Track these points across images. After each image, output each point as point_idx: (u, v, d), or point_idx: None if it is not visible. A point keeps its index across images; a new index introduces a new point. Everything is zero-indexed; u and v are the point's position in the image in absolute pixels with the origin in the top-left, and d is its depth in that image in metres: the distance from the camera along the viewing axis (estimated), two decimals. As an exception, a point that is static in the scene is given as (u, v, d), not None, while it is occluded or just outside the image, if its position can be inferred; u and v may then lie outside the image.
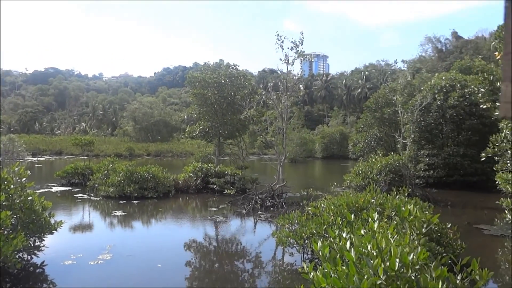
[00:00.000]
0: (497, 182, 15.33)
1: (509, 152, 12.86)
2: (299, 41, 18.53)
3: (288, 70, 19.58)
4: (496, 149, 13.29)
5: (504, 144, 13.04)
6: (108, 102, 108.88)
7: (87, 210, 17.28)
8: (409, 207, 5.92)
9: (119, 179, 19.71)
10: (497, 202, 13.84)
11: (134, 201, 18.68)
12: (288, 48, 18.67)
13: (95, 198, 19.48)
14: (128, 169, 20.25)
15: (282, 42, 18.36)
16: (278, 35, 18.38)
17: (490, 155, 13.59)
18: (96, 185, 20.69)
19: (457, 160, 24.61)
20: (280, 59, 19.09)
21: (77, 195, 20.37)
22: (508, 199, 13.43)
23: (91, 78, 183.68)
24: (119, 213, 16.12)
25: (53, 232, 9.66)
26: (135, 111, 76.77)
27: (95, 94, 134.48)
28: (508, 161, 13.18)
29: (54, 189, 22.29)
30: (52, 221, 9.61)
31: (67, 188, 22.61)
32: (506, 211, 13.29)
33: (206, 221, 15.41)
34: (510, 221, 13.52)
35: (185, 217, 16.62)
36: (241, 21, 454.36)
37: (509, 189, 13.74)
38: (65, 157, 52.89)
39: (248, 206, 17.24)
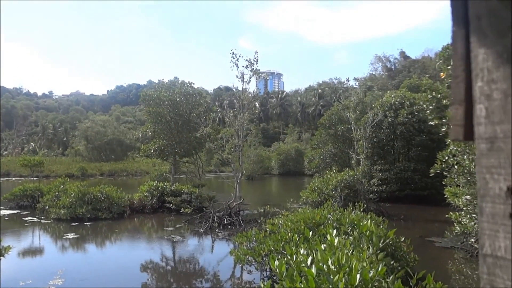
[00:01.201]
0: (445, 196, 16.01)
1: (455, 167, 13.42)
2: (254, 59, 18.75)
3: (243, 88, 19.71)
4: (443, 165, 13.85)
5: (451, 160, 13.60)
6: (58, 121, 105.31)
7: (37, 234, 16.49)
8: (366, 223, 6.04)
9: (70, 200, 18.99)
10: (446, 215, 14.38)
11: (87, 223, 18.01)
12: (243, 66, 18.84)
13: (46, 221, 18.63)
14: (80, 189, 19.55)
15: (237, 60, 18.52)
16: (233, 53, 18.54)
17: (438, 171, 14.13)
18: (47, 207, 19.83)
19: (408, 175, 25.47)
20: (236, 76, 19.23)
21: (26, 218, 19.41)
22: (457, 212, 13.99)
23: (40, 97, 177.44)
24: (71, 235, 15.46)
25: (1, 258, 9.14)
26: (88, 130, 74.62)
27: (44, 113, 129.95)
28: (455, 176, 13.74)
29: (2, 212, 21.15)
30: (0, 247, 9.10)
31: (15, 211, 21.51)
32: (455, 224, 13.82)
33: (163, 241, 15.06)
34: (459, 233, 14.07)
35: (141, 238, 16.19)
36: (196, 39, 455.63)
37: (457, 202, 14.34)
38: (13, 178, 50.48)
39: (205, 225, 17.03)
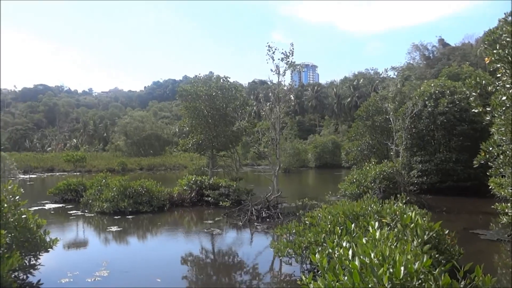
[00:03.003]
0: (490, 187, 15.45)
1: (501, 157, 12.94)
2: (289, 52, 18.64)
3: (279, 81, 19.66)
4: (487, 155, 13.37)
5: (496, 150, 13.11)
6: (98, 117, 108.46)
7: (81, 227, 17.10)
8: (410, 214, 5.92)
9: (112, 194, 19.55)
10: (492, 206, 13.90)
11: (129, 216, 18.51)
12: (279, 59, 18.78)
13: (89, 214, 19.28)
14: (122, 184, 20.10)
15: (273, 53, 18.47)
16: (268, 46, 18.50)
17: (482, 161, 13.66)
18: (90, 201, 20.49)
19: (449, 166, 24.77)
20: (271, 70, 19.17)
21: (71, 212, 20.15)
22: (503, 203, 13.50)
23: (80, 94, 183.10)
24: (114, 228, 15.95)
25: (49, 250, 9.50)
26: (126, 125, 76.50)
27: (85, 109, 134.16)
28: (500, 166, 13.25)
29: (47, 206, 22.04)
30: (47, 239, 9.45)
31: (60, 205, 22.36)
32: (501, 215, 13.35)
33: (202, 234, 15.29)
34: (505, 225, 13.59)
35: (181, 231, 16.49)
36: (229, 33, 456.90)
37: (503, 193, 13.82)
38: (57, 173, 52.44)
39: (244, 218, 17.17)
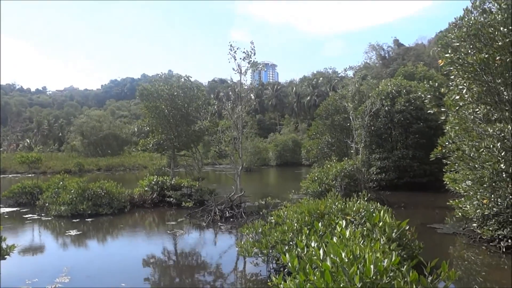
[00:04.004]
0: (445, 182, 16.10)
1: (455, 153, 13.48)
2: (250, 51, 18.67)
3: (240, 80, 19.64)
4: (444, 150, 13.91)
5: (451, 145, 13.66)
6: (53, 117, 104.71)
7: (38, 231, 16.42)
8: (379, 214, 6.05)
9: (70, 196, 18.92)
10: (448, 202, 14.45)
11: (88, 219, 17.97)
12: (241, 58, 18.75)
13: (46, 218, 18.56)
14: (80, 185, 19.49)
15: (235, 52, 18.43)
16: (230, 45, 18.44)
17: (438, 155, 14.19)
18: (47, 204, 19.75)
19: (406, 163, 25.58)
20: (233, 69, 19.12)
21: (27, 216, 19.32)
22: (457, 198, 14.07)
23: (34, 93, 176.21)
24: (73, 232, 15.44)
25: (5, 258, 9.08)
26: (83, 125, 74.25)
27: (39, 109, 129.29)
28: (455, 162, 13.81)
29: (1, 210, 21.04)
30: (3, 246, 9.04)
31: (14, 209, 21.39)
32: (456, 210, 13.92)
33: (164, 235, 15.07)
34: (460, 219, 14.18)
35: (143, 233, 16.18)
36: (187, 32, 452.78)
37: (457, 188, 14.41)
38: (10, 175, 50.21)
39: (207, 218, 17.04)
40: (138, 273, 10.51)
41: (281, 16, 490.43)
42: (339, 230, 5.54)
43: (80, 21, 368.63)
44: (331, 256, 4.54)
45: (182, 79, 27.33)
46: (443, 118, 14.60)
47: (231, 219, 17.21)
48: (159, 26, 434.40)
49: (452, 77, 12.90)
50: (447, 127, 14.43)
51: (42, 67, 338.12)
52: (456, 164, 13.74)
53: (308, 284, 4.45)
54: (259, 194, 23.44)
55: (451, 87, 13.37)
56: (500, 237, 11.76)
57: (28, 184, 23.02)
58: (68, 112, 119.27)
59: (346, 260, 4.39)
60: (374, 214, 6.06)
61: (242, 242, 10.20)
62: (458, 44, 11.72)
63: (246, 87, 21.77)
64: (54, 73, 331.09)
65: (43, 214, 19.32)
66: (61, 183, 21.00)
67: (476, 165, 12.19)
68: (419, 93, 25.84)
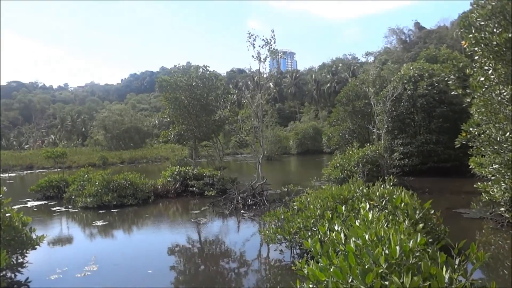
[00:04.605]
0: (470, 167, 15.75)
1: (481, 137, 13.18)
2: (270, 39, 18.52)
3: (259, 69, 19.53)
4: (468, 136, 13.61)
5: (476, 129, 13.35)
6: (76, 113, 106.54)
7: (66, 223, 16.82)
8: (400, 195, 5.98)
9: (96, 188, 19.30)
10: (474, 186, 14.15)
11: (114, 210, 18.31)
12: (260, 46, 18.64)
13: (73, 210, 18.99)
14: (104, 178, 19.83)
15: (254, 40, 18.32)
16: (249, 33, 18.34)
17: (463, 141, 13.89)
18: (73, 197, 20.19)
19: (430, 148, 25.12)
20: (252, 56, 18.99)
21: (54, 208, 19.80)
22: (484, 182, 13.77)
23: (56, 89, 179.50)
24: (100, 223, 15.76)
25: (36, 248, 9.35)
26: (105, 119, 75.42)
27: (61, 105, 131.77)
28: (480, 146, 13.50)
29: (30, 204, 21.61)
30: (34, 236, 9.30)
31: (43, 202, 21.93)
32: (482, 194, 13.63)
33: (188, 224, 15.23)
34: (487, 203, 13.89)
35: (168, 222, 16.39)
36: (204, 23, 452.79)
37: (483, 172, 14.10)
38: (37, 171, 51.42)
39: (230, 206, 17.16)
40: (164, 261, 10.67)
41: (297, 3, 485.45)
42: (362, 214, 5.49)
43: (99, 18, 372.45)
44: (353, 239, 4.50)
45: (200, 70, 27.37)
46: (468, 100, 14.26)
47: (254, 207, 17.29)
48: (176, 19, 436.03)
49: (476, 58, 12.54)
50: (472, 110, 14.10)
51: (64, 65, 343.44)
52: (482, 148, 13.42)
53: (332, 267, 4.42)
54: (280, 182, 23.43)
55: (476, 69, 13.02)
56: (528, 220, 11.48)
57: (55, 178, 23.52)
58: (90, 107, 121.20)
59: (370, 242, 4.35)
60: (394, 197, 5.98)
61: (265, 229, 10.23)
62: (482, 23, 11.37)
63: (265, 75, 21.68)
64: (75, 70, 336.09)
65: (70, 206, 19.76)
66: (86, 176, 21.42)
67: (502, 148, 11.89)
68: (443, 75, 25.29)
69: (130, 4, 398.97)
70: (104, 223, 15.72)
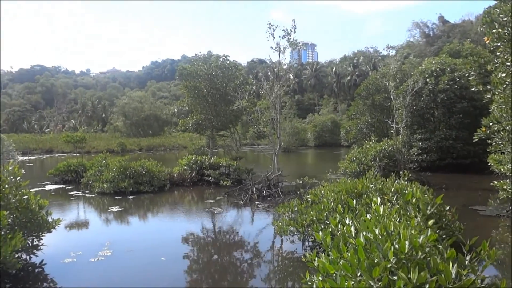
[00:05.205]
0: (489, 164, 15.49)
1: (501, 133, 12.95)
2: (291, 29, 18.38)
3: (279, 59, 19.43)
4: (488, 131, 13.39)
5: (496, 126, 13.13)
6: (97, 98, 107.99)
7: (82, 207, 17.16)
8: (411, 190, 5.93)
9: (113, 174, 19.56)
10: (491, 183, 13.94)
11: (130, 196, 18.57)
12: (280, 36, 18.52)
13: (90, 195, 19.33)
14: (122, 164, 20.09)
15: (274, 30, 18.21)
16: (269, 24, 18.24)
17: (482, 137, 13.67)
18: (90, 182, 20.52)
19: (449, 143, 24.78)
20: (272, 47, 18.90)
21: (72, 193, 20.18)
22: (502, 180, 13.56)
23: (78, 75, 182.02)
24: (115, 209, 16.01)
25: (51, 231, 9.56)
26: (125, 106, 76.22)
27: (83, 90, 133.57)
28: (499, 142, 13.28)
29: (48, 187, 22.06)
30: (50, 220, 9.51)
31: (60, 186, 22.38)
32: (500, 191, 13.42)
33: (203, 213, 15.36)
34: (504, 200, 13.67)
35: (182, 210, 16.56)
36: (227, 13, 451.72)
37: (502, 169, 13.87)
38: (56, 155, 52.42)
39: (245, 197, 17.23)
40: (178, 249, 10.80)
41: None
42: (373, 208, 5.47)
43: (122, 4, 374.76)
44: (364, 233, 4.50)
45: (221, 59, 27.40)
46: (488, 96, 14.01)
47: (268, 198, 17.33)
48: (200, 7, 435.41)
49: (498, 54, 12.29)
50: (492, 107, 13.86)
51: (87, 50, 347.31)
52: (502, 145, 13.20)
53: (342, 260, 4.43)
54: (296, 174, 23.41)
55: (497, 64, 12.76)
56: (546, 219, 11.27)
57: (73, 162, 23.93)
58: (111, 93, 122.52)
59: (380, 236, 4.33)
60: (406, 192, 5.93)
61: (278, 221, 10.27)
62: (505, 19, 11.13)
63: (285, 66, 21.58)
64: (97, 55, 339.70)
65: (87, 191, 20.12)
66: (104, 161, 21.73)
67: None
68: (464, 71, 24.84)
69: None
70: (120, 209, 15.97)
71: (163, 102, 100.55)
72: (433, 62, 27.62)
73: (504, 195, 13.12)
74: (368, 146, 20.18)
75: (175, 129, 67.16)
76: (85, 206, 17.46)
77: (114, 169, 19.81)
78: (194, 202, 18.50)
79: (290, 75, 75.07)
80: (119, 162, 20.43)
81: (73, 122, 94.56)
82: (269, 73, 74.57)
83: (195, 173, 22.33)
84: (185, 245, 11.42)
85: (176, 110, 77.36)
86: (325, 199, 9.39)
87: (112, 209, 15.91)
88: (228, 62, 27.43)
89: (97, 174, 20.62)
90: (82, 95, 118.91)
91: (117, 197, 18.35)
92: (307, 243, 9.97)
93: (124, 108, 75.58)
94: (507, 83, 12.18)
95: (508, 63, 11.77)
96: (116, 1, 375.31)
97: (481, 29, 13.44)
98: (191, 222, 14.51)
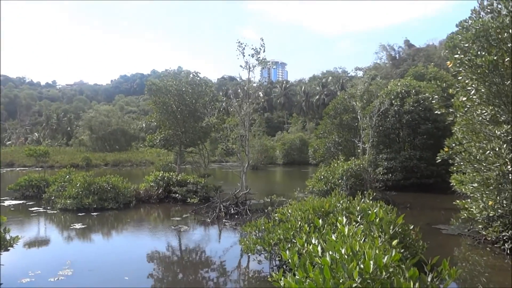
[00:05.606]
0: (451, 184, 15.99)
1: (462, 154, 13.40)
2: (260, 48, 18.59)
3: (249, 77, 19.58)
4: (450, 152, 13.83)
5: (458, 147, 13.58)
6: (62, 111, 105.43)
7: (43, 224, 16.57)
8: (374, 210, 6.03)
9: (76, 190, 19.05)
10: (454, 203, 14.36)
11: (94, 213, 18.08)
12: (249, 55, 18.68)
13: (52, 211, 18.70)
14: (86, 179, 19.60)
15: (243, 49, 18.38)
16: (239, 42, 18.41)
17: (445, 156, 14.10)
18: (53, 198, 19.92)
19: (414, 163, 25.43)
20: (241, 66, 19.07)
21: (32, 209, 19.48)
22: (463, 200, 13.99)
23: (43, 86, 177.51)
24: (78, 226, 15.54)
25: (9, 249, 9.14)
26: (92, 120, 74.75)
27: (48, 102, 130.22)
28: (461, 163, 13.72)
29: (7, 202, 21.25)
30: (8, 237, 9.11)
31: (21, 202, 21.59)
32: (461, 211, 13.83)
33: (169, 231, 15.10)
34: (465, 220, 14.07)
35: (148, 228, 16.23)
36: (199, 29, 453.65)
37: (463, 190, 14.32)
38: (17, 169, 50.70)
39: (212, 215, 17.07)
40: (142, 268, 10.53)
41: (292, 15, 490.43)
42: (339, 227, 5.52)
43: (89, 17, 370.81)
44: (330, 252, 4.52)
45: (191, 75, 27.44)
46: (451, 119, 14.50)
47: (236, 216, 17.23)
48: (170, 22, 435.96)
49: (460, 78, 12.79)
50: (454, 128, 14.35)
51: (53, 61, 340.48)
52: (463, 166, 13.64)
53: (308, 280, 4.43)
54: (264, 192, 23.42)
55: (459, 89, 13.28)
56: (504, 238, 11.67)
57: (35, 177, 23.20)
58: (77, 106, 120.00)
59: (346, 256, 4.37)
60: (369, 212, 6.04)
61: (245, 239, 10.20)
62: (467, 45, 11.63)
63: (254, 84, 21.73)
64: (63, 67, 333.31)
65: (49, 208, 19.47)
66: (67, 177, 21.15)
67: (482, 167, 12.10)
68: (427, 94, 25.71)
69: (125, 5, 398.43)
70: (83, 226, 15.51)
71: (131, 117, 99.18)
72: (399, 84, 28.47)
73: (466, 215, 13.51)
74: (335, 165, 20.45)
75: (143, 144, 66.30)
76: (46, 223, 16.86)
77: (78, 185, 19.29)
78: (160, 219, 18.18)
79: (260, 93, 75.71)
80: (83, 177, 19.92)
81: (37, 135, 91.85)
82: (239, 91, 74.99)
83: (162, 189, 22.01)
84: (150, 263, 11.16)
85: (144, 125, 76.52)
86: (292, 218, 9.40)
87: (74, 226, 15.43)
88: (198, 78, 27.45)
89: (60, 190, 20.03)
90: (47, 107, 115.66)
91: (80, 214, 17.84)
92: (274, 262, 9.92)
93: (91, 122, 74.12)
94: (467, 106, 12.67)
95: (469, 88, 12.25)
96: (85, 12, 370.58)
97: (444, 53, 13.97)
98: (156, 240, 14.23)
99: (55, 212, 18.58)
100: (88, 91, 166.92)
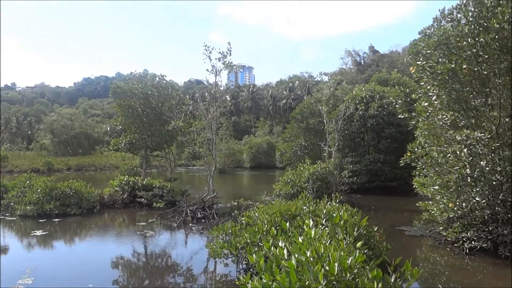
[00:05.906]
0: (414, 186, 16.46)
1: (424, 158, 13.80)
2: (226, 52, 18.58)
3: (215, 81, 19.52)
4: (413, 156, 14.23)
5: (420, 151, 14.00)
6: (22, 114, 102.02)
7: (2, 232, 15.93)
8: (339, 213, 6.13)
9: (37, 196, 18.42)
10: (417, 204, 14.79)
11: (56, 219, 17.54)
12: (216, 58, 18.64)
13: (11, 218, 18.00)
14: (47, 185, 18.98)
15: (210, 52, 18.31)
16: (205, 45, 18.33)
17: (408, 161, 14.49)
18: (12, 204, 19.21)
19: (378, 167, 25.99)
20: (207, 70, 19.00)
21: (-11, 216, 18.74)
22: (425, 201, 14.43)
23: (2, 89, 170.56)
24: (39, 232, 15.02)
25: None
26: (53, 123, 72.67)
27: (7, 105, 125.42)
28: (423, 167, 14.14)
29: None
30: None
31: (-23, 208, 20.71)
32: (423, 213, 14.26)
33: (134, 236, 14.83)
34: (427, 222, 14.51)
35: (112, 233, 15.90)
36: (165, 32, 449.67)
37: (425, 192, 14.78)
38: (-26, 174, 48.60)
39: (178, 219, 16.89)
40: (107, 274, 10.31)
41: (260, 19, 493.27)
42: (306, 230, 5.58)
43: (54, 15, 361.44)
44: (296, 255, 4.56)
45: (157, 78, 27.14)
46: (413, 123, 14.93)
47: (203, 220, 17.10)
48: (136, 24, 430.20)
49: (422, 84, 13.20)
50: (417, 133, 14.78)
51: (13, 63, 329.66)
52: (425, 169, 14.06)
53: (274, 283, 4.45)
54: (232, 195, 23.37)
55: (421, 94, 13.70)
56: (464, 239, 12.09)
57: (-7, 183, 22.29)
58: (38, 109, 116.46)
59: (311, 259, 4.41)
60: (334, 215, 6.15)
61: (212, 244, 10.14)
62: (429, 52, 12.02)
63: (221, 88, 21.69)
64: (24, 69, 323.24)
65: (7, 214, 18.75)
66: (28, 182, 20.43)
67: (443, 170, 12.50)
68: (391, 99, 26.37)
69: (90, 5, 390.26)
70: (44, 233, 15.01)
71: (95, 120, 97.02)
72: (363, 89, 29.07)
73: (427, 216, 13.93)
74: (302, 168, 20.66)
75: (107, 148, 64.92)
76: (5, 230, 16.21)
77: (39, 190, 18.67)
78: (125, 224, 17.84)
79: (227, 96, 75.72)
80: (44, 182, 19.29)
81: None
82: (206, 94, 74.62)
83: (127, 194, 21.60)
84: (115, 270, 10.93)
85: (108, 128, 75.04)
86: (259, 221, 9.42)
87: (35, 233, 14.92)
88: (164, 81, 27.20)
89: (19, 196, 19.31)
90: (6, 110, 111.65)
91: (41, 220, 17.26)
92: (241, 266, 9.90)
93: (52, 125, 72.03)
94: (429, 111, 13.09)
95: (431, 93, 12.66)
96: (48, 12, 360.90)
97: (407, 60, 14.38)
98: (121, 245, 13.95)
99: (14, 219, 17.90)
100: (50, 94, 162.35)
